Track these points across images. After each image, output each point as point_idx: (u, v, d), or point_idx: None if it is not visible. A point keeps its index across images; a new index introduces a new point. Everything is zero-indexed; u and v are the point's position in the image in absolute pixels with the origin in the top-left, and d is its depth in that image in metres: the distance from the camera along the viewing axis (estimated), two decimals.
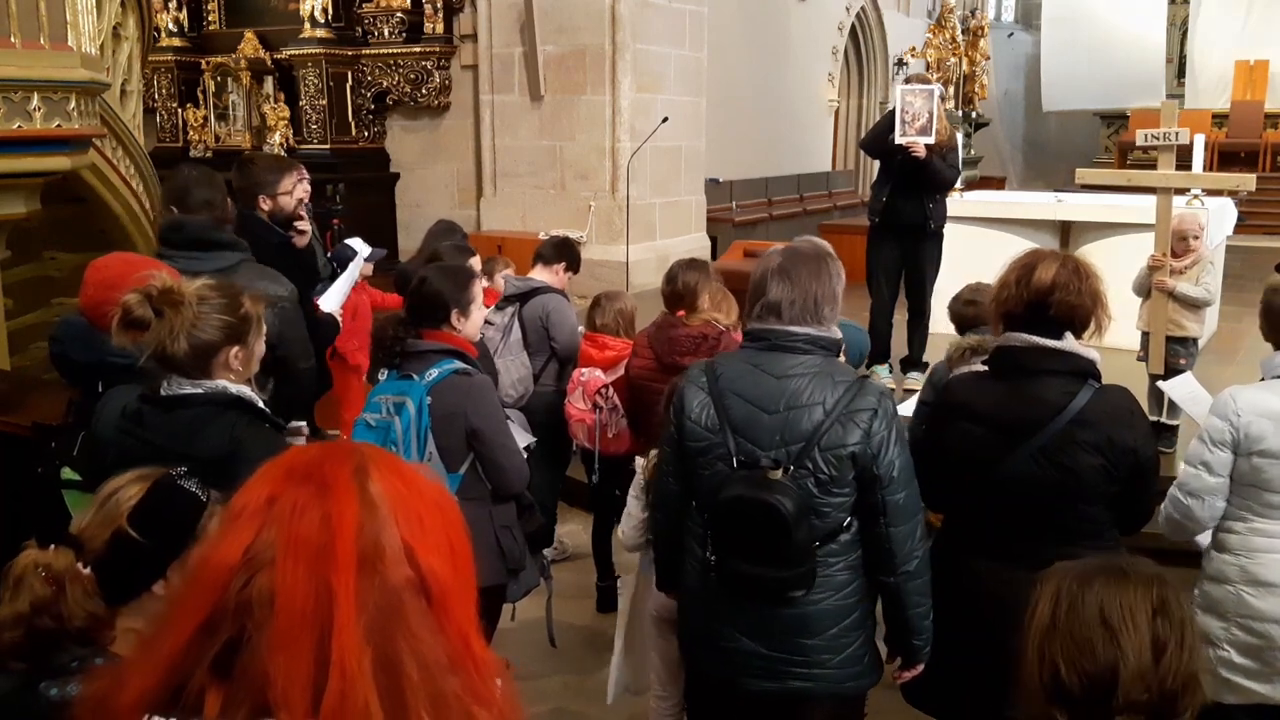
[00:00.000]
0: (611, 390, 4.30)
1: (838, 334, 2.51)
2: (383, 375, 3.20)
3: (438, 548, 0.98)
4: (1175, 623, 1.52)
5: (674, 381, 3.29)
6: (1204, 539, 3.06)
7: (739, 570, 2.41)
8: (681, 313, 3.97)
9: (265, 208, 4.17)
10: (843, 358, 2.65)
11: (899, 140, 5.81)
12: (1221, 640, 2.93)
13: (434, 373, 3.07)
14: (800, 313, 2.42)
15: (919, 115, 5.78)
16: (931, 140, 5.80)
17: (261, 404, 2.43)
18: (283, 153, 9.49)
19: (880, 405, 2.37)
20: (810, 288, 2.42)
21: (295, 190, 4.36)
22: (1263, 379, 3.00)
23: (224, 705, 0.90)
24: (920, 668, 2.56)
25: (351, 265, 4.53)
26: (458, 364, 3.11)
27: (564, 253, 4.89)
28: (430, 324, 3.18)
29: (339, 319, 4.22)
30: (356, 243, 5.44)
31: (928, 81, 6.15)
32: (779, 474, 2.34)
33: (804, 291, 2.42)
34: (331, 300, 4.27)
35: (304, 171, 5.61)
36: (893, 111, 5.91)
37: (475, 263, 4.35)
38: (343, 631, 0.89)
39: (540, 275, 4.80)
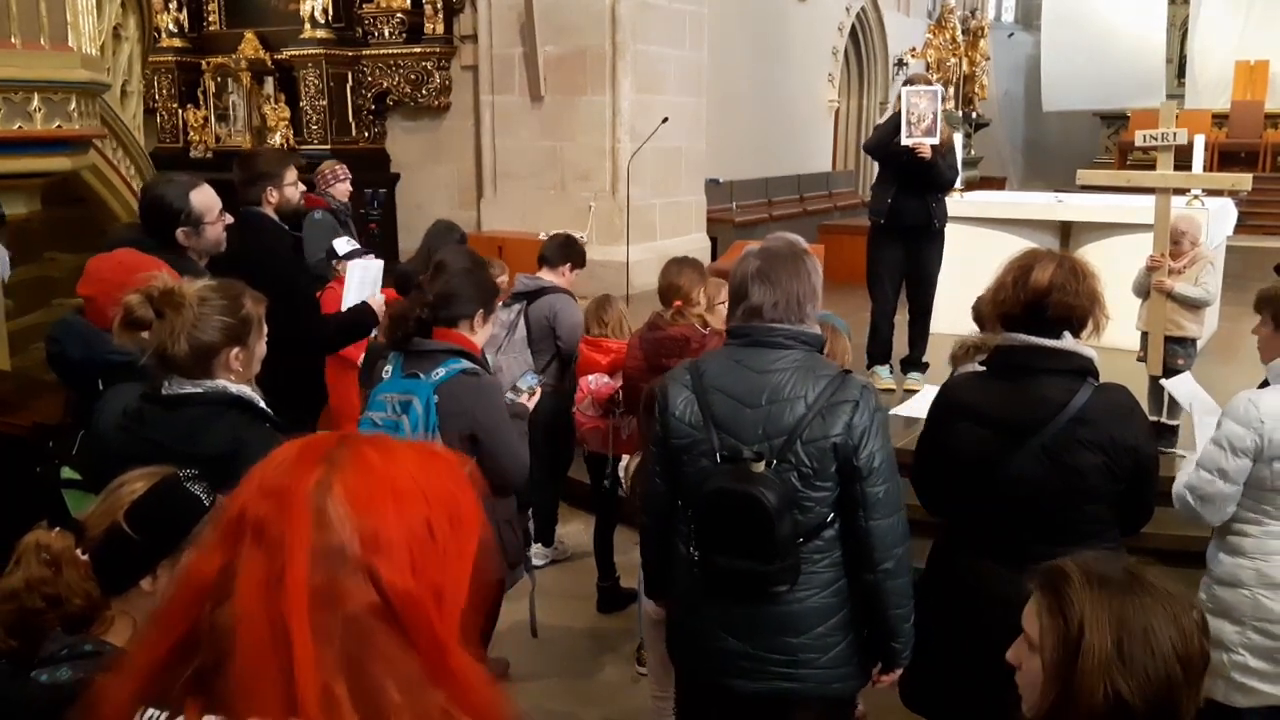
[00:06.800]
0: (620, 395, 4.31)
1: (818, 329, 2.51)
2: (387, 372, 3.16)
3: (401, 565, 0.92)
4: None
5: (649, 387, 3.30)
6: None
7: (723, 565, 2.39)
8: (679, 303, 3.99)
9: (273, 200, 4.06)
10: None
11: (905, 142, 5.83)
12: (1236, 645, 2.91)
13: (440, 372, 3.01)
14: (784, 313, 2.43)
15: (924, 116, 5.81)
16: (937, 140, 5.83)
17: (263, 404, 2.44)
18: None
19: (862, 398, 2.37)
20: (792, 288, 2.43)
21: (299, 182, 4.33)
22: (1266, 383, 3.01)
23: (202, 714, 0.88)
24: (899, 672, 2.55)
25: (359, 265, 4.43)
26: (465, 364, 3.06)
27: (568, 252, 4.91)
28: (450, 319, 3.12)
29: (378, 310, 4.03)
30: (341, 243, 5.30)
31: (929, 82, 6.18)
32: (761, 466, 2.34)
33: (786, 293, 2.42)
34: (351, 296, 4.18)
35: (346, 170, 5.53)
36: (897, 114, 5.93)
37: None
38: (302, 670, 0.85)
39: (547, 277, 4.83)
